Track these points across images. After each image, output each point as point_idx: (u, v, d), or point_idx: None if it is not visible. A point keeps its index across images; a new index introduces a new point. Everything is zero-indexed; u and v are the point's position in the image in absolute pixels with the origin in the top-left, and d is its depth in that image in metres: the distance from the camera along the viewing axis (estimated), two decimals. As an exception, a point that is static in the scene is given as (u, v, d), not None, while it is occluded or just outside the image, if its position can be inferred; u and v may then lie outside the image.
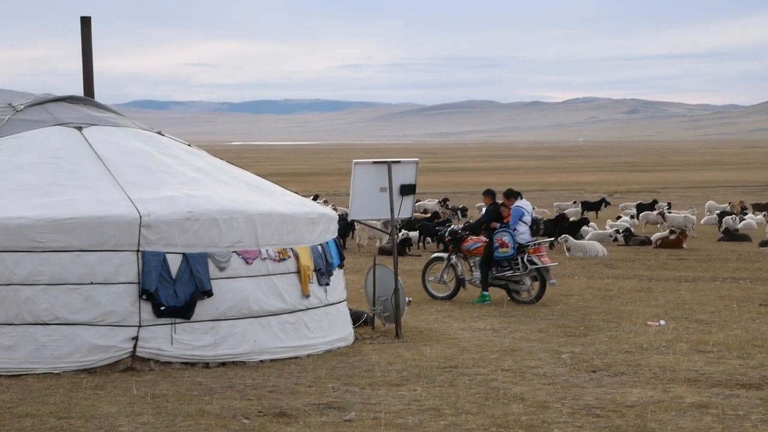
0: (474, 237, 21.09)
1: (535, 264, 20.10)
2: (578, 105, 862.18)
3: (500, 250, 20.22)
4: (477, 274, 20.70)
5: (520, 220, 20.38)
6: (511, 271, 20.24)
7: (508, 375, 12.69)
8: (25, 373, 12.44)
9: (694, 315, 18.33)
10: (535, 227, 20.72)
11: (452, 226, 21.78)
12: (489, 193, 21.50)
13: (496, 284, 20.48)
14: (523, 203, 20.68)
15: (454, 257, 21.02)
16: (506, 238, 20.22)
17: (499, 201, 21.08)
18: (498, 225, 20.55)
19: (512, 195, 20.78)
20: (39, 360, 12.55)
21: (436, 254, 22.16)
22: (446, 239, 21.66)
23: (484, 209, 22.50)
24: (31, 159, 13.82)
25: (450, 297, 20.64)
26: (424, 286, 21.10)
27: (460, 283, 20.83)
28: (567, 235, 32.58)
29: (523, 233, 20.36)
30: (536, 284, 20.28)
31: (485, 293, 20.25)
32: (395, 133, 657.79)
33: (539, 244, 20.59)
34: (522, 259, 20.16)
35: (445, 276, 21.03)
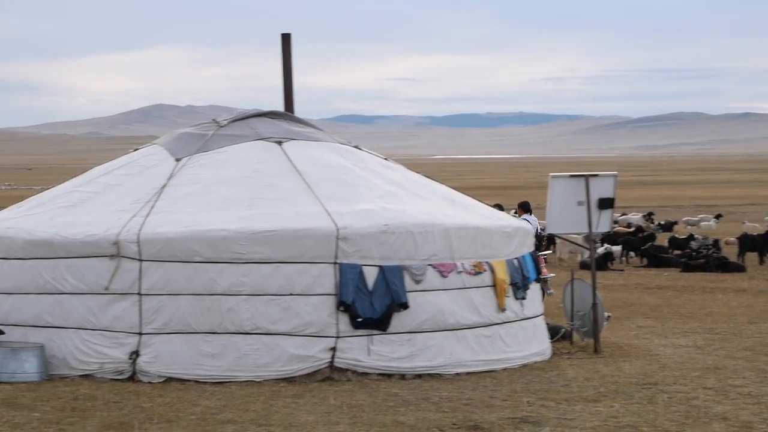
0: None
1: None
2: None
3: None
4: None
5: None
6: None
7: (710, 393, 12.31)
8: (228, 380, 12.82)
9: None
10: (538, 242, 21.31)
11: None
12: (522, 206, 22.56)
13: None
14: (530, 218, 21.62)
15: None
16: None
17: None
18: None
19: (524, 209, 22.13)
20: (241, 368, 12.91)
21: None
22: None
23: None
24: (233, 173, 14.25)
25: None
26: None
27: None
28: (777, 250, 31.39)
29: None
30: None
31: None
32: (600, 146, 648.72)
33: (539, 256, 20.84)
34: None
35: None
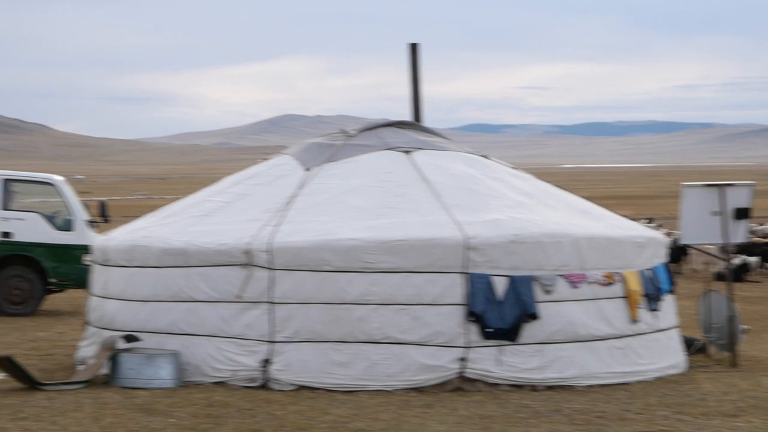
0: None
1: None
2: None
3: None
4: None
5: None
6: None
7: None
8: (359, 389, 12.85)
9: None
10: None
11: None
12: None
13: None
14: None
15: None
16: None
17: None
18: None
19: None
20: (371, 377, 12.93)
21: None
22: None
23: None
24: (362, 182, 14.30)
25: None
26: None
27: None
28: None
29: None
30: None
31: None
32: (734, 155, 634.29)
33: None
34: None
35: None
